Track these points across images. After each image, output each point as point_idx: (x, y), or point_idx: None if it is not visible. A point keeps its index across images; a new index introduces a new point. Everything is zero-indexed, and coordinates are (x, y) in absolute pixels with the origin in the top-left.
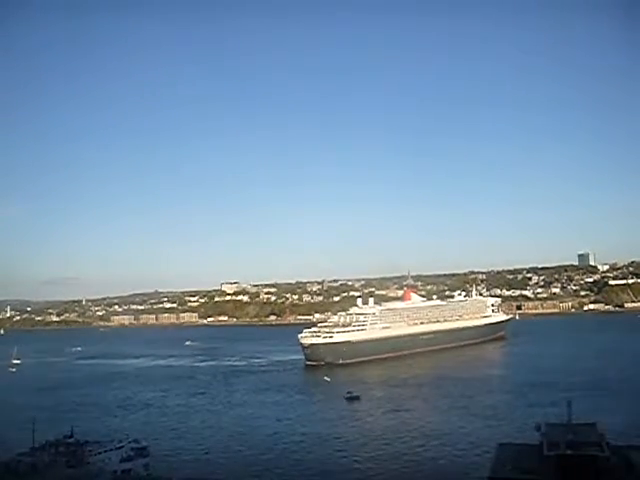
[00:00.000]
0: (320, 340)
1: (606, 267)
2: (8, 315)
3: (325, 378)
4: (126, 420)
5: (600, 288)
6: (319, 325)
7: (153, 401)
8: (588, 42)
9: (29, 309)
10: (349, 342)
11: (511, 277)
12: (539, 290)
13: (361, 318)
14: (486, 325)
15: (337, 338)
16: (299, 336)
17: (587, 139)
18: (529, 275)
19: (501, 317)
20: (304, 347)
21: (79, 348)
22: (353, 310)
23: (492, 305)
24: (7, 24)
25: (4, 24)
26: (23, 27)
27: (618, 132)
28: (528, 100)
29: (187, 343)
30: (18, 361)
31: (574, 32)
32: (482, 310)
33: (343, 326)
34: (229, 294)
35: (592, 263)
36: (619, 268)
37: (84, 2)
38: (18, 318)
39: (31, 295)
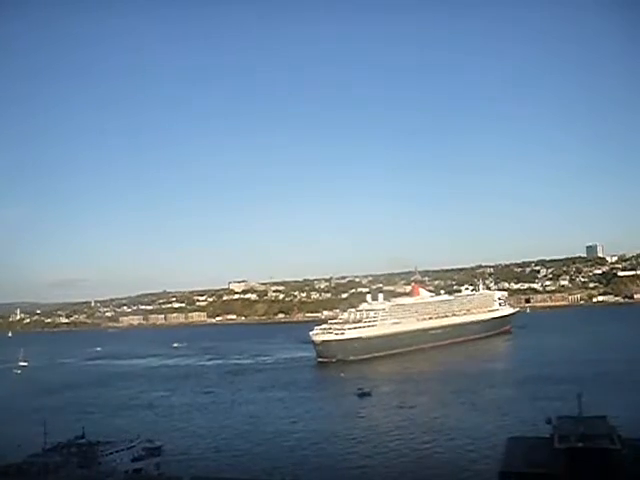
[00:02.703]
0: (332, 337)
1: (615, 258)
2: (18, 317)
3: (341, 374)
4: (133, 420)
5: (609, 280)
6: (330, 322)
7: (160, 400)
8: (589, 38)
9: (38, 311)
10: (360, 338)
11: (519, 270)
12: (547, 283)
13: (371, 314)
14: (493, 319)
15: (348, 334)
16: (310, 333)
17: (594, 133)
18: (537, 268)
19: (507, 311)
20: (316, 344)
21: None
22: (363, 306)
23: (499, 299)
24: (5, 23)
25: (2, 23)
26: (21, 26)
27: (624, 126)
28: (530, 95)
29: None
30: (25, 363)
31: (575, 29)
32: (489, 304)
33: (354, 322)
34: (237, 293)
35: (600, 255)
36: (628, 259)
37: (83, 1)
38: (28, 320)
39: (40, 297)
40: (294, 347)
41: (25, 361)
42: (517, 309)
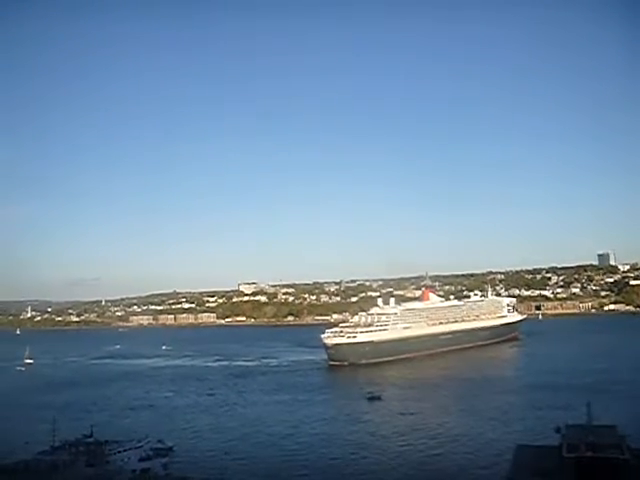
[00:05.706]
0: (343, 340)
1: (627, 267)
2: (29, 315)
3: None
4: (138, 420)
5: (620, 288)
6: (341, 325)
7: (164, 401)
8: (588, 42)
9: (49, 309)
10: (372, 342)
11: (530, 277)
12: (558, 290)
13: (383, 318)
14: (501, 325)
15: (360, 338)
16: (322, 336)
17: (604, 140)
18: (548, 275)
19: (516, 317)
20: (327, 347)
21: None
22: (374, 310)
23: (507, 305)
24: (7, 25)
25: (4, 25)
26: (23, 28)
27: (633, 132)
28: (538, 101)
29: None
30: (30, 360)
31: (573, 32)
32: (498, 310)
33: (365, 326)
34: (247, 294)
35: (612, 263)
36: None
37: (85, 3)
38: (38, 318)
39: (52, 296)
40: (303, 350)
41: (30, 358)
42: (525, 316)
